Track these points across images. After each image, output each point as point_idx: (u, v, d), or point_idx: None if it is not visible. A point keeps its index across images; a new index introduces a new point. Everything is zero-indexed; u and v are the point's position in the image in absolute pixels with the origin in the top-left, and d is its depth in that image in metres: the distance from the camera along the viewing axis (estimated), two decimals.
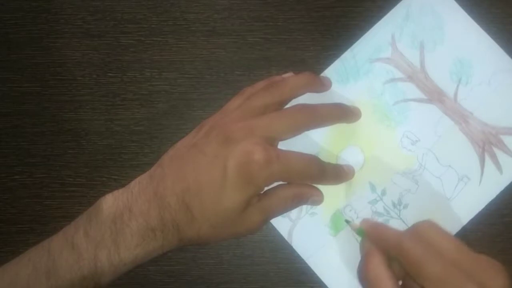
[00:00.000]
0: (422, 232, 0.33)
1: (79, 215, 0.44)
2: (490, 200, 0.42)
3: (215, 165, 0.34)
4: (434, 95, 0.43)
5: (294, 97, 0.39)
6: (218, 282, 0.43)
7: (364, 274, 0.34)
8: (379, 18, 0.45)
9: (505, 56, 0.43)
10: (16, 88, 0.46)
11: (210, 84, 0.45)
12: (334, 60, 0.45)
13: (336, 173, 0.40)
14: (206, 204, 0.34)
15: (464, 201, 0.42)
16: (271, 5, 0.46)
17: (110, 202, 0.35)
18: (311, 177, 0.38)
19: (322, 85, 0.41)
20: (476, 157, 0.42)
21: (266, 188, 0.37)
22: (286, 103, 0.39)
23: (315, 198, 0.39)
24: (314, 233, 0.43)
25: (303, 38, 0.45)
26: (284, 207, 0.38)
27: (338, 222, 0.42)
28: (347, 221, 0.39)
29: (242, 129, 0.35)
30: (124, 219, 0.34)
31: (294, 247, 0.43)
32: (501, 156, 0.42)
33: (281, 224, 0.43)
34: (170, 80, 0.45)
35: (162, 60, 0.46)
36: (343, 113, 0.41)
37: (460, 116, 0.43)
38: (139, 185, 0.36)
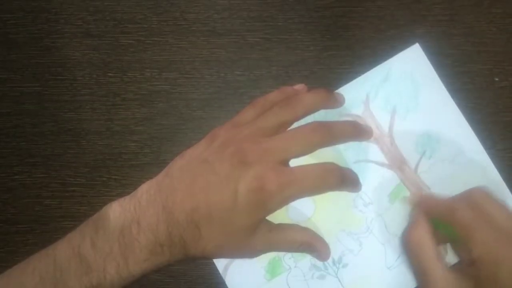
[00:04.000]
0: (475, 199, 0.36)
1: (79, 215, 0.44)
2: None
3: (226, 187, 0.34)
4: (395, 162, 0.43)
5: (308, 115, 0.38)
6: (218, 282, 0.43)
7: (408, 240, 0.37)
8: (378, 18, 0.45)
9: (474, 138, 0.43)
10: (16, 88, 0.46)
11: (210, 84, 0.45)
12: (334, 60, 0.45)
13: (356, 180, 0.38)
14: (215, 224, 0.34)
15: (403, 273, 0.41)
16: (271, 5, 0.46)
17: (118, 212, 0.35)
18: (330, 188, 0.36)
19: (336, 102, 0.41)
20: None
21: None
22: (299, 120, 0.38)
23: (322, 256, 0.38)
24: (249, 273, 0.42)
25: (303, 38, 0.45)
26: (288, 249, 0.38)
27: (276, 267, 0.42)
28: (403, 198, 0.41)
29: (257, 152, 0.35)
30: (132, 232, 0.34)
31: (227, 283, 0.42)
32: None
33: None
34: (170, 80, 0.45)
35: (162, 60, 0.46)
36: (357, 132, 0.40)
37: (417, 188, 0.42)
38: (146, 194, 0.35)
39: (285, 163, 0.36)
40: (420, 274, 0.36)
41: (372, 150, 0.43)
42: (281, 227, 0.37)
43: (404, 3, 0.45)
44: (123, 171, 0.45)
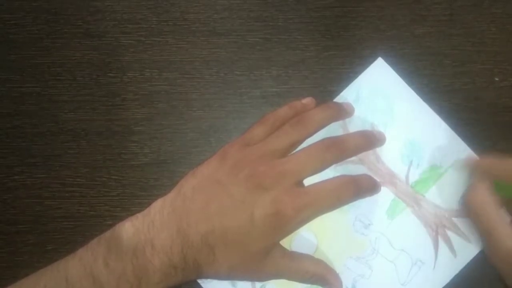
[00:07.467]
0: None
1: (79, 215, 0.44)
2: (445, 284, 0.41)
3: (243, 211, 0.34)
4: (386, 178, 0.43)
5: (319, 130, 0.38)
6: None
7: (471, 201, 0.38)
8: (378, 18, 0.45)
9: (456, 138, 0.43)
10: (16, 88, 0.46)
11: (210, 84, 0.45)
12: (334, 60, 0.45)
13: (372, 185, 0.38)
14: (230, 247, 0.34)
15: (418, 286, 0.41)
16: (271, 5, 0.46)
17: (131, 232, 0.35)
18: (346, 202, 0.36)
19: (346, 113, 0.41)
20: (429, 240, 0.42)
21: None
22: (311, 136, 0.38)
23: None
24: None
25: (303, 38, 0.45)
26: (299, 279, 0.37)
27: None
28: (458, 162, 0.42)
29: (272, 175, 0.35)
30: (146, 254, 0.34)
31: None
32: (454, 239, 0.41)
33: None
34: (170, 80, 0.45)
35: (162, 60, 0.46)
36: (369, 143, 0.40)
37: (412, 199, 0.42)
38: (159, 214, 0.35)
39: (300, 183, 0.36)
40: (486, 234, 0.37)
41: (360, 171, 0.42)
42: (294, 255, 0.37)
43: (404, 3, 0.46)
44: (123, 171, 0.45)
